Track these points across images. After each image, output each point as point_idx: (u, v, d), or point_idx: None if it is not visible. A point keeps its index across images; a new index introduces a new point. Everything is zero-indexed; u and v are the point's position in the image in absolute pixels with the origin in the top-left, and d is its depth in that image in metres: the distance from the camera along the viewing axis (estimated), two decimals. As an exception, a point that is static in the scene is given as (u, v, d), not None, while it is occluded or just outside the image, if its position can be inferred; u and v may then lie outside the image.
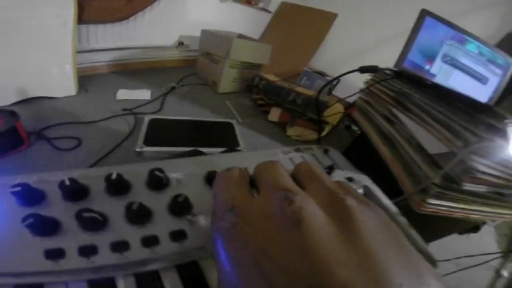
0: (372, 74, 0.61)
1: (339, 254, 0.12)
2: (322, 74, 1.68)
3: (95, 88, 1.07)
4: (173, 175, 0.24)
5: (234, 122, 1.06)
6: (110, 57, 1.23)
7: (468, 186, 0.38)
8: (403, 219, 0.28)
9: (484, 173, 0.37)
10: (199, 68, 1.50)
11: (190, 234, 0.20)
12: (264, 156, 0.29)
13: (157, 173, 0.22)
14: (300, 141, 1.17)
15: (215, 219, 0.16)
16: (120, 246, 0.18)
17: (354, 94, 0.64)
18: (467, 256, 0.72)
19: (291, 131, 1.20)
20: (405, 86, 0.53)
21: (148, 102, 1.07)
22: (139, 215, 0.19)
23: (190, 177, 0.24)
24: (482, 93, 0.72)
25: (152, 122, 0.91)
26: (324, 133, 1.19)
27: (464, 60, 0.68)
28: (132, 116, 0.95)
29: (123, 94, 1.07)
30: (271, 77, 1.37)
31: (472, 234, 0.89)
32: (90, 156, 0.76)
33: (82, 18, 0.95)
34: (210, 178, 0.24)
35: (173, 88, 1.25)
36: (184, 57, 1.60)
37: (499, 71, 0.72)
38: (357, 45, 1.77)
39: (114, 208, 0.20)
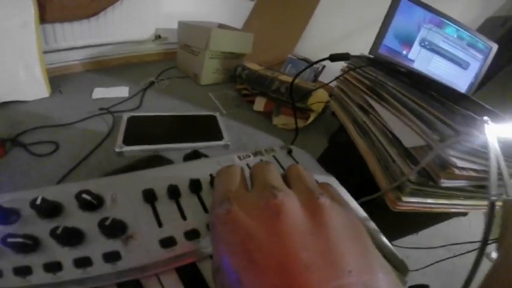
0: (347, 62, 0.59)
1: (305, 241, 0.15)
2: (307, 61, 1.66)
3: (69, 88, 1.04)
4: (108, 194, 0.23)
5: (217, 114, 1.04)
6: (83, 55, 1.19)
7: (446, 183, 0.35)
8: (372, 225, 0.27)
9: (462, 168, 0.34)
10: (179, 61, 1.47)
11: (124, 255, 0.20)
12: (217, 164, 0.28)
13: (84, 196, 0.21)
14: (286, 130, 1.16)
15: (214, 207, 0.18)
16: (52, 267, 0.19)
17: (330, 82, 0.62)
18: (457, 244, 0.73)
19: (277, 120, 1.19)
20: (379, 73, 0.51)
21: (126, 99, 1.04)
22: (66, 238, 0.20)
23: (127, 195, 0.24)
24: (463, 78, 0.71)
25: (131, 120, 0.89)
26: (309, 121, 1.19)
27: (443, 45, 0.66)
28: (110, 115, 0.92)
29: (99, 93, 1.03)
30: (254, 66, 1.34)
31: (461, 218, 0.89)
32: (69, 159, 0.74)
33: (45, 18, 0.91)
34: (146, 196, 0.23)
35: (152, 83, 1.22)
36: (163, 51, 1.55)
37: (479, 56, 0.70)
38: (342, 31, 1.72)
39: (44, 231, 0.20)
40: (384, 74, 0.50)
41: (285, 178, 0.21)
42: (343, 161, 0.61)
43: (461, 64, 0.68)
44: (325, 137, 1.06)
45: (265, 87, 1.21)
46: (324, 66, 1.61)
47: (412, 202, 0.39)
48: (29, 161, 0.71)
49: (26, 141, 0.75)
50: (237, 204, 0.17)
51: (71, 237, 0.20)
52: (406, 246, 0.76)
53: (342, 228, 0.16)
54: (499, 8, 1.31)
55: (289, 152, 0.33)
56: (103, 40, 1.20)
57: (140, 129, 0.87)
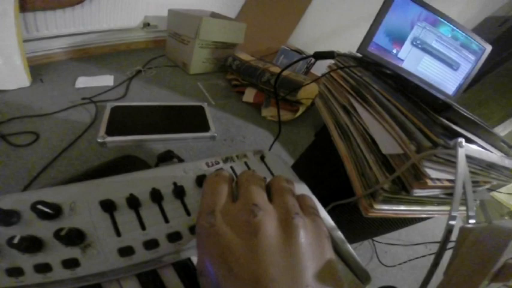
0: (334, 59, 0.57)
1: (276, 258, 0.17)
2: (300, 52, 1.64)
3: (51, 77, 1.00)
4: (66, 203, 0.23)
5: (205, 104, 1.03)
6: (67, 43, 1.14)
7: (419, 193, 0.35)
8: (339, 234, 0.28)
9: (436, 179, 0.33)
10: (168, 49, 1.43)
11: (83, 262, 0.21)
12: (183, 172, 0.27)
13: (39, 207, 0.21)
14: (275, 122, 1.15)
15: (200, 218, 0.20)
16: (14, 272, 0.20)
17: (317, 79, 0.61)
18: (434, 242, 0.74)
19: (266, 112, 1.18)
20: (366, 74, 0.49)
21: (110, 88, 1.02)
22: (23, 246, 0.20)
23: (86, 204, 0.24)
24: (452, 79, 0.69)
25: (115, 110, 0.87)
26: (298, 113, 1.18)
27: (436, 45, 0.63)
28: (93, 105, 0.90)
29: (82, 82, 1.01)
30: (245, 57, 1.32)
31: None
32: (49, 150, 0.73)
33: (25, 7, 0.87)
34: (104, 205, 0.23)
35: (139, 72, 1.19)
36: (153, 38, 1.51)
37: (472, 57, 0.68)
38: (338, 23, 1.69)
39: (2, 239, 0.21)
40: (370, 75, 0.48)
41: (269, 188, 0.23)
42: (326, 160, 0.61)
43: (452, 65, 0.66)
44: (312, 131, 1.05)
45: (256, 79, 1.20)
46: (316, 60, 1.58)
47: (384, 209, 0.39)
48: (8, 151, 0.70)
49: (4, 132, 0.73)
50: (221, 218, 0.19)
51: (29, 245, 0.20)
52: (385, 242, 0.78)
53: (309, 247, 0.19)
54: (498, 8, 1.29)
55: (262, 158, 0.32)
56: (88, 28, 1.15)
57: (124, 120, 0.86)
